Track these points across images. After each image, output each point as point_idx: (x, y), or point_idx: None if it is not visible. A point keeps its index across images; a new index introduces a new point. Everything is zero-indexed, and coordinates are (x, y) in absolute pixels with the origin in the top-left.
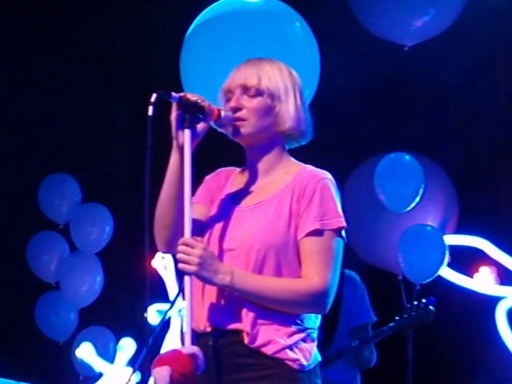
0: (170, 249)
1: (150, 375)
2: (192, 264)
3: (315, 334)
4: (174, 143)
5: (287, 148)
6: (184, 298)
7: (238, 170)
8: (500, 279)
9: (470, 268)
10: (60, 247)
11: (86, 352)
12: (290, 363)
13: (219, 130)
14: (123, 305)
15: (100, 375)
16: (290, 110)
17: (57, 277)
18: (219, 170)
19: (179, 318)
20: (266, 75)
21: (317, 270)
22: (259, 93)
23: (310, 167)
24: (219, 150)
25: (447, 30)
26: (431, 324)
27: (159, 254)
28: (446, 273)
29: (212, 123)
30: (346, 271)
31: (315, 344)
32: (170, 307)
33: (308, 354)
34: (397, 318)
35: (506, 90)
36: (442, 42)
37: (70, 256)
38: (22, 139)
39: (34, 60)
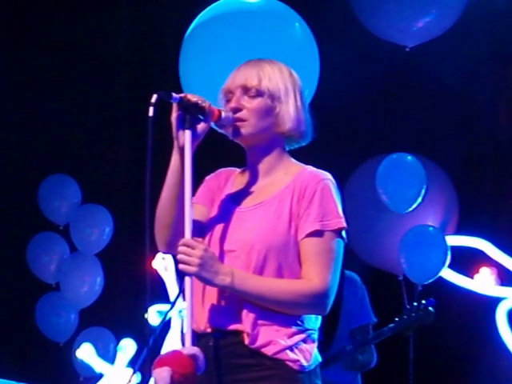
0: (171, 249)
1: (150, 376)
2: (192, 265)
3: (315, 335)
4: (175, 144)
5: (287, 149)
6: (184, 299)
7: (239, 170)
8: (500, 280)
9: (471, 269)
10: (60, 248)
11: (86, 353)
12: (290, 364)
13: (219, 130)
14: (123, 305)
15: (100, 376)
16: (290, 111)
17: (57, 278)
18: (219, 170)
19: (180, 319)
20: (267, 76)
21: (317, 271)
22: (259, 93)
23: (310, 168)
24: (220, 151)
25: (448, 30)
26: (431, 325)
27: (160, 255)
28: (447, 274)
29: (212, 124)
30: (347, 272)
31: (315, 345)
32: (171, 308)
33: (308, 355)
34: (396, 319)
35: (506, 90)
36: (443, 43)
37: (70, 257)
38: (21, 140)
39: (34, 60)
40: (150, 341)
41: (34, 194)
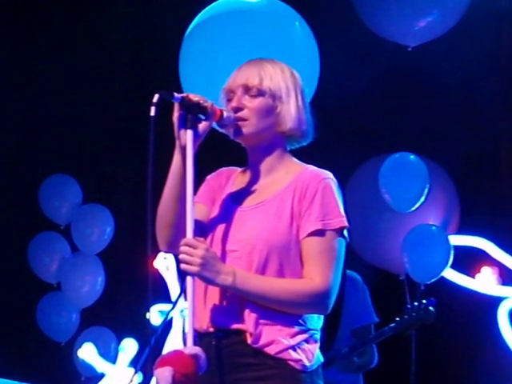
0: (172, 248)
1: (152, 376)
2: (194, 265)
3: (318, 336)
4: (177, 143)
5: (288, 149)
6: (186, 299)
7: (240, 169)
8: (502, 279)
9: (472, 268)
10: (61, 248)
11: (87, 352)
12: (292, 363)
13: (220, 130)
14: (125, 305)
15: (102, 376)
16: (291, 111)
17: (58, 277)
18: (221, 169)
19: (181, 319)
20: (268, 75)
21: (318, 271)
22: (261, 93)
23: (311, 167)
24: (221, 151)
25: (450, 30)
26: (432, 325)
27: (161, 255)
28: (448, 273)
29: (214, 124)
30: (348, 272)
31: (318, 345)
32: (172, 308)
33: (311, 355)
34: (397, 318)
35: (508, 90)
36: (445, 43)
37: (72, 257)
38: (22, 140)
39: (34, 60)
40: (152, 340)
41: (34, 194)
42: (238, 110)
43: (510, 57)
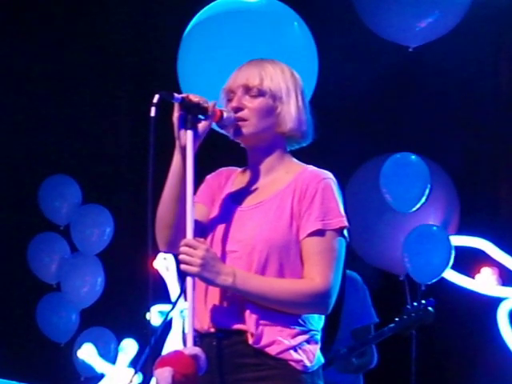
0: (172, 249)
1: (151, 376)
2: (194, 265)
3: (319, 336)
4: (177, 144)
5: (288, 149)
6: (186, 299)
7: (239, 170)
8: (502, 280)
9: (472, 269)
10: (61, 248)
11: (87, 353)
12: (293, 364)
13: (221, 131)
14: (124, 306)
15: (101, 376)
16: (291, 111)
17: (58, 278)
18: (220, 169)
19: (181, 319)
20: (268, 76)
21: (319, 271)
22: (261, 93)
23: (311, 167)
24: (221, 151)
25: (451, 31)
26: (432, 325)
27: (161, 255)
28: (448, 274)
29: (214, 124)
30: (348, 272)
31: (318, 346)
32: (172, 308)
33: (311, 356)
34: (396, 319)
35: (508, 91)
36: (446, 44)
37: (71, 257)
38: (22, 140)
39: (34, 60)
40: (152, 341)
41: (34, 195)
42: (238, 110)
43: (510, 57)
